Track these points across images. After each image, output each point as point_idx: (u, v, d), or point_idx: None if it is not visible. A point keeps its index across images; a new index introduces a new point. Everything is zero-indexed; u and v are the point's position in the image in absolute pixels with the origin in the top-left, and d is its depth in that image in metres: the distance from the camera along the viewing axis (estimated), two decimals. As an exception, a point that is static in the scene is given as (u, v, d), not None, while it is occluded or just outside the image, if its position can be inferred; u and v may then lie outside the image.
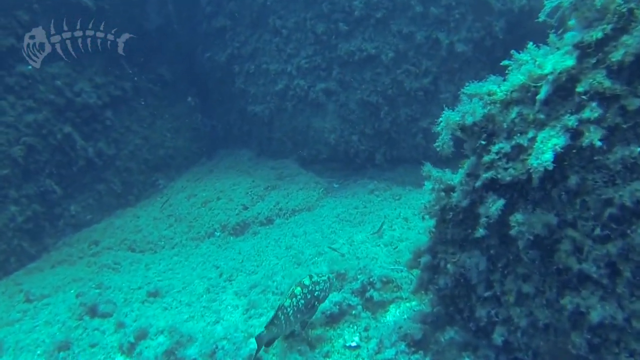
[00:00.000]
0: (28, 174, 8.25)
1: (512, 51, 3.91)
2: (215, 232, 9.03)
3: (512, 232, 3.64)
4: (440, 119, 3.96)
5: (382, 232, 6.73)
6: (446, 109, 3.98)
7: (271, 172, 10.32)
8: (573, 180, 3.32)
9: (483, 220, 3.87)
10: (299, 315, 4.24)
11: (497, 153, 3.83)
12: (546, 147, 3.43)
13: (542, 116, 3.61)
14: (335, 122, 9.19)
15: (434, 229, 4.55)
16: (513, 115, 3.79)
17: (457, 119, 3.88)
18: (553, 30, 4.22)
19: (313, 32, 8.84)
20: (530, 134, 3.68)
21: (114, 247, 8.88)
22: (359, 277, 5.40)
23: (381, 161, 9.08)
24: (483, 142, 3.91)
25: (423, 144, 8.56)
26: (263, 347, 4.16)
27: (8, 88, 7.85)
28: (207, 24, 10.37)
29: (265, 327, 4.08)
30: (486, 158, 3.88)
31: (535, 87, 3.68)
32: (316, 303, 4.35)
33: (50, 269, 8.29)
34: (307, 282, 4.33)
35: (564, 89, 3.51)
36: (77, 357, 5.49)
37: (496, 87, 3.88)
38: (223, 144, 11.94)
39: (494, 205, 3.71)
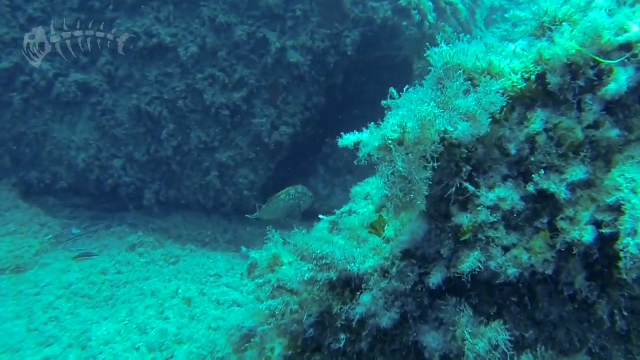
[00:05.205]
0: None
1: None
2: None
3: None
4: (393, 123, 1.61)
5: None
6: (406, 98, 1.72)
7: (-36, 199, 6.43)
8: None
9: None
10: (284, 210, 5.34)
11: (492, 209, 1.59)
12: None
13: (610, 131, 1.53)
14: (90, 135, 6.36)
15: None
16: (535, 126, 1.65)
17: (445, 126, 1.56)
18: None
19: (79, -9, 5.82)
20: (574, 174, 1.57)
21: None
22: None
23: (152, 203, 6.49)
24: (468, 186, 1.66)
25: (217, 185, 6.16)
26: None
27: None
28: None
29: (265, 204, 5.28)
30: (465, 220, 1.62)
31: (593, 68, 1.63)
32: (298, 209, 5.37)
33: None
34: (300, 189, 5.35)
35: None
36: None
37: (518, 63, 1.75)
38: None
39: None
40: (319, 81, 5.61)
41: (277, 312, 2.05)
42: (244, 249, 5.86)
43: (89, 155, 6.31)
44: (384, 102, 2.10)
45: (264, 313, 2.08)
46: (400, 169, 1.61)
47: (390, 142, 1.64)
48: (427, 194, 1.62)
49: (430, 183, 1.64)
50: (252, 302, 3.05)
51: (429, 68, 1.89)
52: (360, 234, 2.28)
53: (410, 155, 1.61)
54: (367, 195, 3.15)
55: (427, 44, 1.98)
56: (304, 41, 5.38)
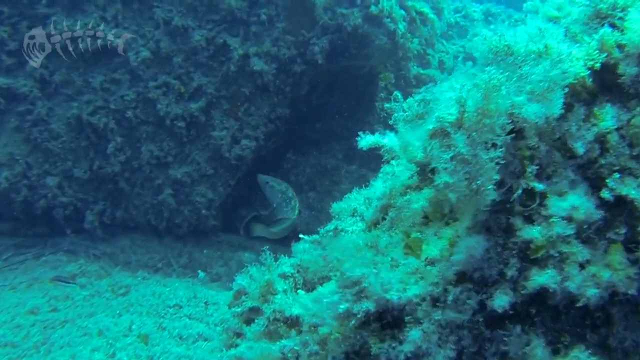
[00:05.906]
0: None
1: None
2: None
3: None
4: (449, 97, 1.34)
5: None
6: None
7: None
8: None
9: None
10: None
11: (567, 221, 1.32)
12: None
13: None
14: (17, 149, 5.65)
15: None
16: (607, 123, 1.40)
17: (512, 97, 1.29)
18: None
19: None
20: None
21: None
22: None
23: (94, 225, 5.86)
24: (536, 185, 1.36)
25: (171, 204, 5.67)
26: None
27: None
28: None
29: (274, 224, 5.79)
30: (536, 234, 1.33)
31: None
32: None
33: None
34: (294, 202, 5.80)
35: None
36: None
37: (578, 49, 1.51)
38: None
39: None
40: (284, 91, 5.31)
41: (290, 355, 1.67)
42: (201, 273, 5.37)
43: (14, 173, 5.57)
44: (386, 105, 1.92)
45: (273, 356, 1.69)
46: (463, 150, 1.33)
47: (447, 124, 1.37)
48: (497, 178, 1.34)
49: (500, 163, 1.36)
50: (219, 335, 2.63)
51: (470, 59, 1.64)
52: (366, 254, 1.97)
53: (474, 134, 1.33)
54: (353, 212, 2.86)
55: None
56: (269, 48, 5.08)
